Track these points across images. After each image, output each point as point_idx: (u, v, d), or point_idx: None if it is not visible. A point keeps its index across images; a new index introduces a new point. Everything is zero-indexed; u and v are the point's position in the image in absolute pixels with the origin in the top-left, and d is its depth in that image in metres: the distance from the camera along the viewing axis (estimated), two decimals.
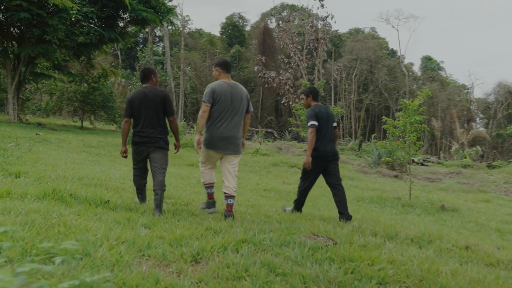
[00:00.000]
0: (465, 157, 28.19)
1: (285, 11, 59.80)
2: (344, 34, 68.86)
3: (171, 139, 5.79)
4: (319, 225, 5.35)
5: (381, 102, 60.13)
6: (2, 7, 17.01)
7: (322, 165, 6.37)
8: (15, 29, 19.24)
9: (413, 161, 21.93)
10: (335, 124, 6.61)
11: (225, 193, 5.61)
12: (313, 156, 6.28)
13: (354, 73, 57.42)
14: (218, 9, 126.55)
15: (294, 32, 40.35)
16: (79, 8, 17.61)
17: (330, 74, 46.43)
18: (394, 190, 11.51)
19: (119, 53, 56.00)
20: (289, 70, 39.09)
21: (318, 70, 39.85)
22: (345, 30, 73.63)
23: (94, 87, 22.05)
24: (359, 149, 27.29)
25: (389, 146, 10.46)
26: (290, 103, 34.98)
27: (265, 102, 57.39)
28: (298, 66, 39.16)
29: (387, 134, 11.40)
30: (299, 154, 21.91)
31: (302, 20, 43.10)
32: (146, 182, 5.84)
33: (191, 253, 3.72)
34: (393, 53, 71.38)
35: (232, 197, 5.57)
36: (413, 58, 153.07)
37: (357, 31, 72.76)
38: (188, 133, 24.14)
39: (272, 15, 63.62)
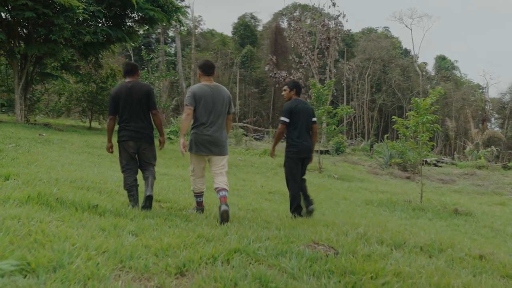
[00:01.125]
0: (480, 158, 27.58)
1: (297, 11, 59.37)
2: (357, 34, 68.34)
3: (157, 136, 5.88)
4: (321, 231, 5.00)
5: (394, 102, 59.47)
6: (9, 7, 16.83)
7: (301, 160, 6.48)
8: (23, 29, 19.10)
9: (425, 162, 21.45)
10: (314, 119, 6.65)
11: (216, 188, 5.50)
12: (292, 151, 6.41)
13: (367, 73, 56.87)
14: (231, 10, 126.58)
15: (305, 32, 39.92)
16: (85, 7, 17.40)
17: (342, 74, 45.95)
18: (405, 193, 11.09)
19: (131, 54, 56.09)
20: (300, 70, 38.65)
21: (330, 70, 39.36)
22: (358, 29, 73.08)
23: (103, 87, 21.88)
24: (370, 150, 26.82)
25: (400, 146, 10.02)
26: None
27: (276, 102, 57.07)
28: (310, 65, 38.72)
29: (399, 135, 11.01)
30: None
31: (314, 19, 42.62)
32: (138, 185, 5.69)
33: (177, 265, 3.41)
34: (406, 52, 70.70)
35: (224, 189, 5.45)
36: (426, 57, 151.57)
37: (370, 30, 72.14)
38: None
39: (284, 15, 63.22)
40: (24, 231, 3.68)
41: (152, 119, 5.75)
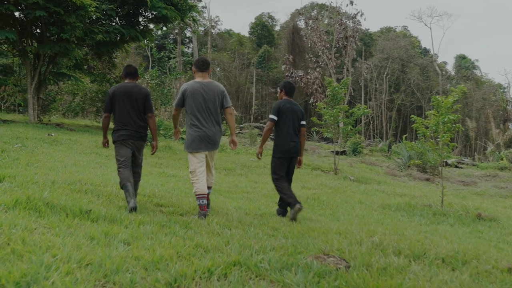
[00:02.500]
0: (502, 159, 26.78)
1: (314, 10, 58.82)
2: (375, 33, 67.59)
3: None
4: (332, 240, 4.59)
5: (413, 102, 58.53)
6: (23, 6, 16.69)
7: (286, 160, 6.49)
8: (36, 28, 18.98)
9: (446, 163, 20.81)
10: (303, 122, 6.63)
11: None
12: (277, 151, 6.46)
13: (386, 73, 56.05)
14: (249, 10, 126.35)
15: (323, 31, 39.39)
16: (97, 6, 17.18)
17: (360, 73, 45.28)
18: (425, 196, 10.57)
19: (149, 54, 56.18)
20: (317, 69, 38.13)
21: (347, 69, 38.77)
22: (376, 29, 72.22)
23: None
24: (388, 151, 26.21)
25: (419, 147, 9.50)
26: (319, 102, 34.06)
27: None
28: (327, 65, 38.19)
29: (418, 135, 10.50)
30: (325, 156, 21.05)
31: (331, 17, 42.07)
32: (132, 181, 5.55)
33: (167, 280, 3.04)
34: (425, 52, 69.75)
35: (209, 187, 5.80)
36: (446, 57, 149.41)
37: (388, 29, 71.22)
38: None
39: (301, 14, 62.68)
40: (2, 240, 3.34)
41: (147, 122, 5.83)
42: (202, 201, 5.48)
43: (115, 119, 5.70)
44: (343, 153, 23.25)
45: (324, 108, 14.28)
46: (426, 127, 8.87)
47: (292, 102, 6.63)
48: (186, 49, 62.17)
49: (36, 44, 18.48)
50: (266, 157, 16.66)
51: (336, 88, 13.87)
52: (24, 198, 4.52)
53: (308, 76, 38.15)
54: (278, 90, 6.78)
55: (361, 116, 15.31)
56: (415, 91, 57.20)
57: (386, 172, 16.94)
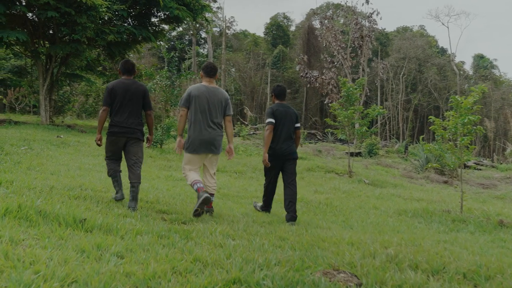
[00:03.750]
0: None
1: (330, 11, 58.35)
2: (392, 33, 66.81)
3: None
4: (344, 252, 4.25)
5: (431, 102, 57.64)
6: (35, 7, 16.60)
7: (279, 163, 6.56)
8: (49, 30, 18.90)
9: (464, 165, 20.26)
10: (298, 125, 6.72)
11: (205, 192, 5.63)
12: (269, 154, 6.51)
13: (402, 72, 55.29)
14: (264, 10, 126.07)
15: (338, 30, 38.89)
16: (109, 6, 17.02)
17: (376, 74, 44.69)
18: (443, 201, 10.13)
19: (164, 56, 56.08)
20: (333, 69, 37.66)
21: (363, 69, 38.23)
22: (393, 28, 71.40)
23: None
24: (405, 152, 25.68)
25: (437, 150, 9.08)
26: (334, 103, 33.62)
27: (309, 103, 56.24)
28: (342, 65, 37.70)
29: (435, 136, 10.07)
30: (340, 157, 20.63)
31: (346, 17, 41.56)
32: (121, 171, 5.90)
33: None
34: (443, 51, 68.76)
35: (212, 195, 5.80)
36: (464, 56, 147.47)
37: (405, 29, 70.33)
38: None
39: (317, 14, 62.20)
40: None
41: (145, 118, 5.94)
42: (199, 185, 5.60)
43: (110, 115, 5.74)
44: (359, 154, 22.81)
45: (338, 109, 13.89)
46: (445, 129, 8.45)
47: (285, 105, 6.73)
48: (201, 50, 62.04)
49: (48, 45, 18.39)
50: None
51: (351, 88, 13.48)
52: (15, 206, 4.26)
53: (323, 76, 37.69)
54: (271, 94, 6.93)
55: (376, 116, 14.89)
56: (432, 91, 56.33)
57: (402, 175, 16.49)
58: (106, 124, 5.93)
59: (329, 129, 22.77)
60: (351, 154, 17.36)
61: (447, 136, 8.28)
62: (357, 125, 15.52)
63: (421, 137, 26.02)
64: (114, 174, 5.80)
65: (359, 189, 11.25)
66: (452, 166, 8.83)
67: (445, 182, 15.75)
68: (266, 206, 6.91)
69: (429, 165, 9.74)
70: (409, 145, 30.66)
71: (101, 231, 4.18)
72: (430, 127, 8.93)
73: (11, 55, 29.95)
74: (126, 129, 5.64)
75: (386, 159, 22.62)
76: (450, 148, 8.48)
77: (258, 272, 3.39)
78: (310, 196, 9.39)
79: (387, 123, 54.96)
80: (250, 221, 5.70)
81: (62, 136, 13.36)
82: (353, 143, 17.64)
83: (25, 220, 4.09)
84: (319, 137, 38.12)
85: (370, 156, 22.78)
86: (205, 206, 5.51)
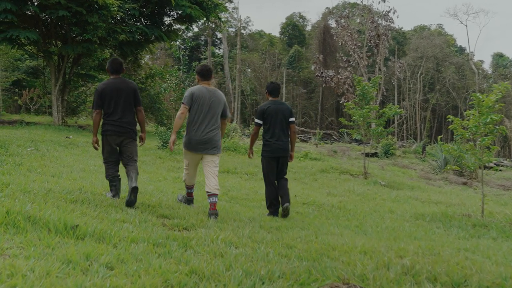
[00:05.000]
0: None
1: (346, 10, 57.81)
2: (409, 32, 65.98)
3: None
4: (355, 262, 3.91)
5: (449, 102, 56.73)
6: (47, 8, 16.49)
7: (275, 159, 6.73)
8: (61, 30, 18.80)
9: (484, 166, 19.65)
10: (292, 119, 6.85)
11: (207, 191, 5.79)
12: (265, 150, 6.76)
13: (419, 72, 54.46)
14: (280, 10, 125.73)
15: (354, 29, 38.38)
16: (120, 5, 16.83)
17: (393, 73, 44.03)
18: (463, 204, 9.68)
19: (181, 56, 56.16)
20: (348, 69, 37.16)
21: (379, 68, 37.64)
22: (410, 27, 70.48)
23: (141, 88, 21.36)
24: (422, 152, 25.12)
25: (456, 151, 8.63)
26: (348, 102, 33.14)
27: (325, 103, 55.77)
28: (358, 64, 37.18)
29: (454, 136, 9.63)
30: (355, 158, 20.19)
31: (362, 15, 41.02)
32: (119, 176, 5.93)
33: None
34: (461, 50, 67.74)
35: (215, 195, 5.74)
36: (483, 55, 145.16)
37: (422, 28, 69.38)
38: (240, 136, 22.97)
39: (332, 13, 61.69)
40: None
41: (136, 115, 5.97)
42: (190, 190, 6.32)
43: (104, 115, 5.77)
44: (375, 155, 22.32)
45: (353, 108, 13.47)
46: (465, 128, 8.02)
47: (277, 102, 6.87)
48: (217, 50, 61.95)
49: (60, 45, 18.29)
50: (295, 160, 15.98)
51: (366, 87, 13.06)
52: (3, 211, 3.99)
53: (339, 76, 37.23)
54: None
55: (393, 116, 14.44)
56: (450, 90, 55.42)
57: (420, 176, 16.01)
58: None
59: (343, 129, 22.27)
60: (367, 155, 16.91)
61: (467, 136, 7.84)
62: (373, 125, 15.05)
63: (439, 137, 25.42)
64: (112, 179, 5.84)
65: (374, 191, 10.84)
66: (472, 167, 8.40)
67: (464, 183, 15.25)
68: (270, 205, 6.75)
69: (448, 167, 9.30)
70: (427, 145, 30.06)
71: (93, 238, 3.89)
72: (449, 127, 8.50)
73: (26, 56, 30.08)
74: (120, 128, 5.70)
75: (403, 159, 22.11)
76: (470, 149, 8.05)
77: (259, 287, 3.08)
78: (322, 199, 9.02)
79: (404, 123, 54.23)
80: (256, 227, 5.37)
81: (71, 136, 13.18)
82: (369, 143, 17.17)
83: (12, 226, 3.81)
84: (335, 137, 37.68)
85: (387, 157, 22.29)
86: (210, 210, 5.68)
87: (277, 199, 6.72)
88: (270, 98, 6.89)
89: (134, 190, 5.39)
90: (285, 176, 6.91)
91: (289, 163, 7.10)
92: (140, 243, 3.91)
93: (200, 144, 5.79)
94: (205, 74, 5.98)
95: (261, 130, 7.02)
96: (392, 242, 5.11)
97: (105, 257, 3.39)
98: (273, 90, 6.92)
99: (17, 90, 32.27)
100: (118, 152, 5.87)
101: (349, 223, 6.76)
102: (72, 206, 4.85)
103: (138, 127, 6.17)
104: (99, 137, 5.94)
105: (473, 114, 7.63)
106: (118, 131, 5.69)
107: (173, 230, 4.68)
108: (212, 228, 4.88)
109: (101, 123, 5.90)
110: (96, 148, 5.99)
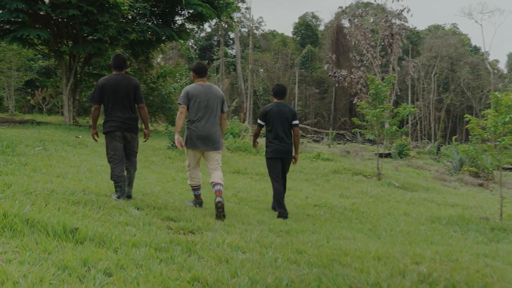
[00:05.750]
0: None
1: (359, 9, 57.41)
2: (423, 31, 65.33)
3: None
4: (369, 269, 3.70)
5: (463, 102, 56.02)
6: (58, 10, 16.44)
7: (278, 160, 6.75)
8: (73, 29, 18.77)
9: (503, 168, 19.22)
10: (295, 122, 6.83)
11: (212, 182, 5.85)
12: (268, 151, 6.80)
13: (434, 72, 53.86)
14: (293, 10, 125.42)
15: (367, 28, 37.99)
16: (131, 4, 16.73)
17: (407, 72, 43.55)
18: (480, 206, 9.39)
19: (193, 56, 56.22)
20: (362, 68, 36.77)
21: (393, 68, 37.21)
22: (424, 27, 69.70)
23: (153, 88, 21.26)
24: (437, 153, 24.72)
25: (473, 151, 8.34)
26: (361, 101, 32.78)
27: (338, 103, 55.42)
28: (371, 64, 36.79)
29: (469, 137, 9.33)
30: (368, 159, 19.88)
31: (376, 15, 40.60)
32: (125, 175, 5.86)
33: None
34: (476, 50, 66.91)
35: (219, 184, 5.76)
36: (498, 54, 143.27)
37: (436, 27, 68.61)
38: (251, 136, 22.77)
39: (346, 13, 61.30)
40: None
41: (138, 112, 5.99)
42: (197, 192, 6.24)
43: (105, 111, 5.79)
44: (388, 155, 21.98)
45: (366, 107, 13.19)
46: (483, 128, 7.74)
47: (280, 104, 6.87)
48: (229, 51, 61.87)
49: (71, 44, 18.26)
50: (303, 160, 15.76)
51: (379, 86, 12.78)
52: (0, 213, 3.83)
53: (352, 76, 36.86)
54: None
55: (407, 116, 14.14)
56: (465, 90, 54.72)
57: (435, 177, 15.68)
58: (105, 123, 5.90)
59: (356, 129, 21.97)
60: (380, 155, 16.62)
61: (485, 136, 7.56)
62: (386, 125, 14.76)
63: (453, 137, 25.00)
64: (117, 180, 5.74)
65: (388, 193, 10.57)
66: (490, 169, 8.12)
67: (481, 185, 14.91)
68: (279, 207, 6.61)
69: (466, 168, 9.02)
70: (442, 145, 29.63)
71: (93, 242, 3.71)
72: (466, 126, 8.24)
73: (39, 56, 30.20)
74: (121, 124, 5.72)
75: (417, 160, 21.76)
76: (489, 149, 7.77)
77: None
78: (334, 201, 8.77)
79: (418, 123, 53.66)
80: (265, 230, 5.16)
81: (80, 136, 13.09)
82: (382, 143, 16.89)
83: (9, 229, 3.65)
84: (348, 137, 37.34)
85: (401, 157, 21.94)
86: (216, 197, 5.62)
87: (283, 198, 6.69)
88: (275, 100, 6.94)
89: (128, 198, 5.72)
90: (285, 176, 6.97)
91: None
92: (141, 248, 3.73)
93: (199, 140, 5.85)
94: (200, 71, 6.05)
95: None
96: (407, 247, 4.88)
97: (103, 262, 3.22)
98: (278, 92, 6.96)
99: (30, 90, 32.40)
100: (122, 149, 5.85)
101: (362, 226, 6.52)
102: (74, 208, 4.69)
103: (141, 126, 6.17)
104: (101, 138, 6.02)
105: (491, 114, 7.36)
106: (122, 127, 5.71)
107: (178, 233, 4.49)
108: (219, 231, 4.68)
109: (101, 123, 5.92)
110: (95, 140, 6.11)
